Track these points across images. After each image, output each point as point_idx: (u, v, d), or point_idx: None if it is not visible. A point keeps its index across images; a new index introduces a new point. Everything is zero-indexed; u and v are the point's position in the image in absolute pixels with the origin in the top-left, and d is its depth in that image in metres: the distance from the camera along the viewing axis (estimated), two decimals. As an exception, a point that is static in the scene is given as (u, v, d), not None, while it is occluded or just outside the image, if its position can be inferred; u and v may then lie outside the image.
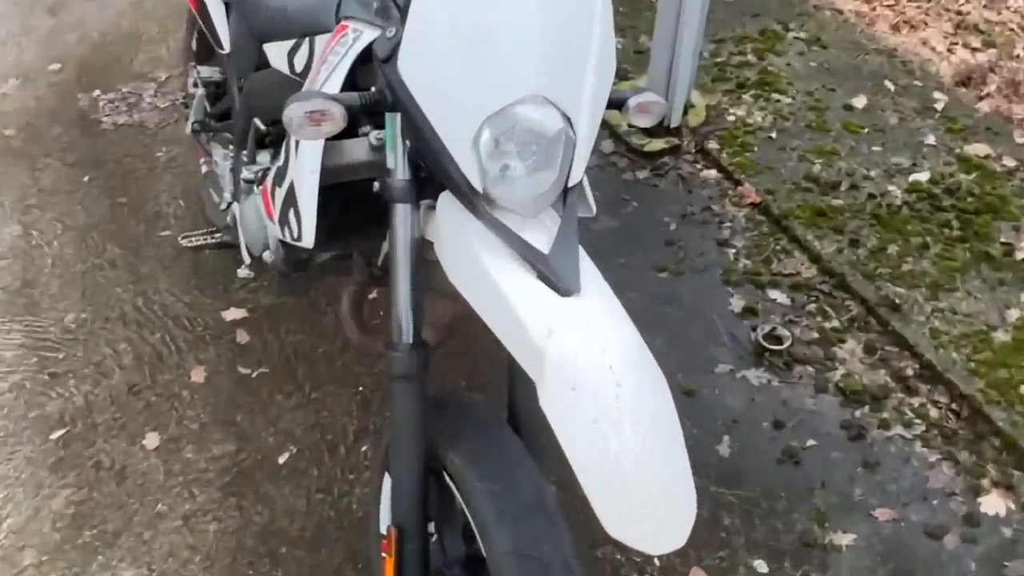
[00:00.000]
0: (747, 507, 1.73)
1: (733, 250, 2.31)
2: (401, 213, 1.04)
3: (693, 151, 2.63)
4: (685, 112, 2.71)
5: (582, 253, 0.97)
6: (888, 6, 3.50)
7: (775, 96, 2.84)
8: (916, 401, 1.93)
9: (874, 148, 2.63)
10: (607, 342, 0.88)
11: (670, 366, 1.99)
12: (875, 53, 3.09)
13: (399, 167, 1.03)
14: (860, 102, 2.81)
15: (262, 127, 1.47)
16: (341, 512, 1.73)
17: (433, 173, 1.00)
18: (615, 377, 0.86)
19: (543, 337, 0.87)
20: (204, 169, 2.33)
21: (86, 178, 2.56)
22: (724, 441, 1.85)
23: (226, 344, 2.07)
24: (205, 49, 2.18)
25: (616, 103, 1.08)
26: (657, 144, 2.63)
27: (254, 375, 2.00)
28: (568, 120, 0.96)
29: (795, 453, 1.82)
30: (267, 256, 1.53)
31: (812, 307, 2.14)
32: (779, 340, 2.03)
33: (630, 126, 2.71)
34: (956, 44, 3.28)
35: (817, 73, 2.97)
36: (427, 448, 1.15)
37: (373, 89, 1.00)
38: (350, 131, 1.11)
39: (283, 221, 1.15)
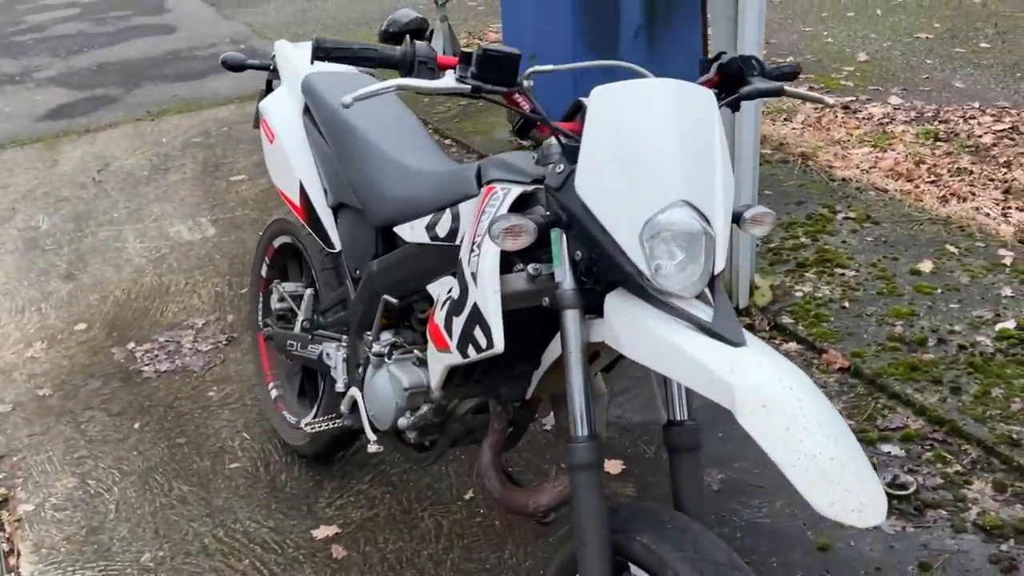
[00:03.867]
0: (913, 647, 2.04)
1: (833, 413, 2.77)
2: (571, 318, 1.54)
3: (768, 328, 3.18)
4: (751, 294, 3.30)
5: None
6: (931, 182, 4.27)
7: (838, 271, 3.46)
8: (1061, 529, 2.30)
9: (952, 305, 3.19)
10: (782, 373, 1.34)
11: (797, 525, 2.39)
12: (929, 223, 3.78)
13: (567, 277, 1.54)
14: (926, 267, 3.43)
15: (393, 300, 2.01)
16: None
17: (603, 273, 1.52)
18: (796, 395, 1.31)
19: (728, 374, 1.33)
20: (274, 393, 2.84)
21: (136, 425, 3.04)
22: (872, 589, 2.19)
23: (322, 560, 2.43)
24: (275, 272, 2.79)
25: (734, 217, 1.63)
26: (729, 326, 3.18)
27: (359, 586, 2.35)
28: (707, 220, 1.49)
29: (950, 591, 2.17)
30: (403, 422, 2.00)
31: (929, 455, 2.57)
32: (903, 487, 2.44)
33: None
34: (1010, 208, 3.99)
35: (875, 246, 3.62)
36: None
37: (548, 213, 1.55)
38: (506, 269, 1.65)
39: (465, 342, 1.63)
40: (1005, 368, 2.85)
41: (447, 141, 5.09)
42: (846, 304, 3.25)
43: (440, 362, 1.75)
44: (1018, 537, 2.30)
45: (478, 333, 1.60)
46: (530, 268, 1.63)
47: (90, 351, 3.49)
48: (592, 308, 1.57)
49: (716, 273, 1.51)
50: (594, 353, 1.76)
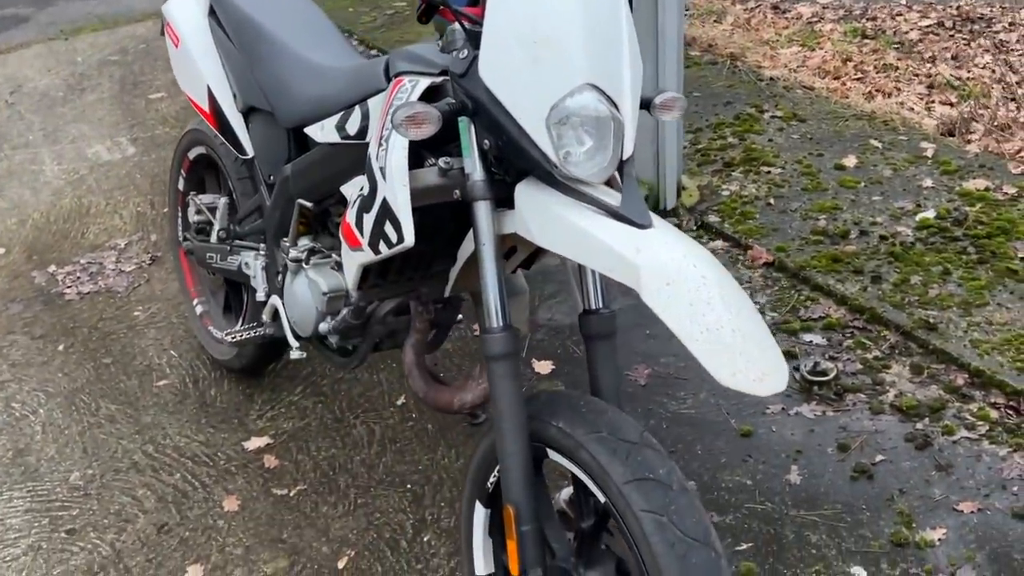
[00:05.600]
0: (831, 522, 2.12)
1: (757, 306, 2.82)
2: (482, 209, 1.52)
3: (695, 227, 3.20)
4: (678, 195, 3.31)
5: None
6: (857, 79, 4.30)
7: (764, 169, 3.48)
8: (974, 407, 2.38)
9: (875, 198, 3.24)
10: (686, 251, 1.35)
11: (721, 415, 2.44)
12: (854, 119, 3.81)
13: (476, 168, 1.52)
14: (851, 161, 3.47)
15: (308, 204, 1.98)
16: (416, 599, 2.06)
17: (512, 162, 1.50)
18: (699, 271, 1.32)
19: (634, 254, 1.34)
20: (199, 309, 2.81)
21: (60, 347, 2.99)
22: (792, 470, 2.26)
23: (255, 471, 2.44)
24: (192, 185, 2.73)
25: (643, 103, 1.62)
26: (657, 226, 3.20)
27: (292, 493, 2.36)
28: (615, 105, 1.48)
29: (866, 469, 2.24)
30: (324, 327, 1.98)
31: (850, 342, 2.63)
32: (824, 373, 2.50)
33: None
34: (933, 102, 4.04)
35: (801, 143, 3.65)
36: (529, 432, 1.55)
37: (454, 101, 1.51)
38: (418, 164, 1.63)
39: (375, 239, 1.61)
40: (924, 256, 2.91)
41: (372, 52, 4.98)
42: (771, 201, 3.28)
43: (354, 261, 1.74)
44: (932, 416, 2.37)
45: (388, 228, 1.58)
46: (441, 162, 1.60)
47: (9, 275, 3.40)
48: (504, 200, 1.56)
49: (625, 158, 1.51)
50: (511, 248, 1.76)
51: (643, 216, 1.41)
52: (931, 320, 2.63)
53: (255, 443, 2.52)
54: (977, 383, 2.45)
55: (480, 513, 1.76)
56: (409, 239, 1.55)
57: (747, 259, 3.03)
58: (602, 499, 1.47)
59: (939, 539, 2.06)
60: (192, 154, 2.67)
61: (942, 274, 2.82)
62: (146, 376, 2.82)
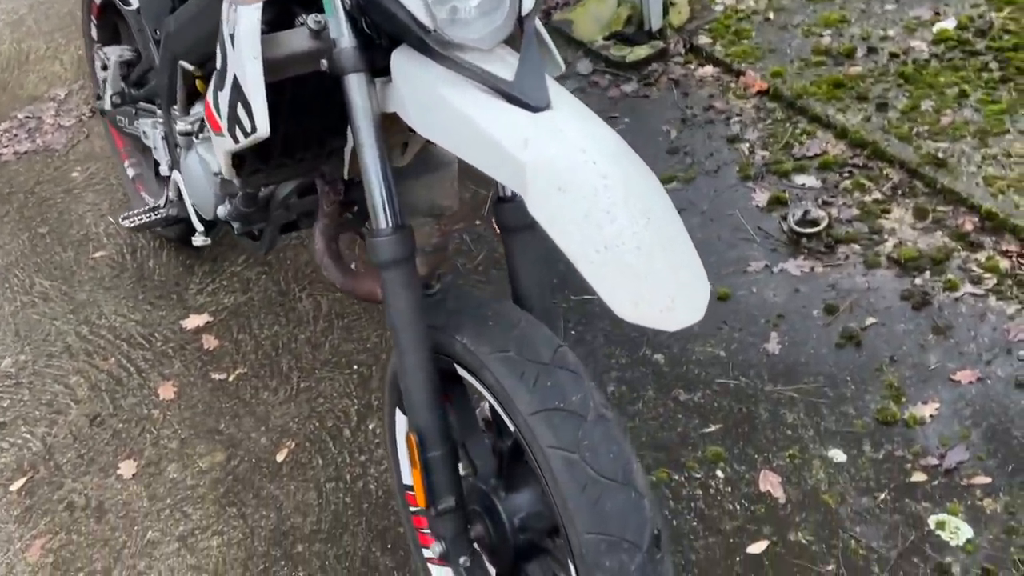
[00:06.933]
0: (810, 399, 1.90)
1: (746, 144, 2.51)
2: (355, 83, 1.24)
3: (683, 51, 2.85)
4: (666, 12, 2.93)
5: (548, 78, 1.16)
6: None
7: (766, -25, 3.06)
8: (982, 256, 2.11)
9: (888, 7, 2.84)
10: (585, 142, 1.07)
11: (697, 275, 2.18)
12: (873, -91, 3.33)
13: (344, 33, 1.23)
14: (864, -38, 3.04)
15: (189, 67, 1.68)
16: (358, 495, 1.90)
17: (381, 27, 1.20)
18: (599, 170, 1.05)
19: (520, 149, 1.06)
20: (131, 172, 2.56)
21: (-5, 217, 2.78)
22: (772, 339, 2.03)
23: (192, 353, 2.26)
24: (107, 34, 2.42)
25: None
26: (640, 51, 2.85)
27: (231, 378, 2.18)
28: (510, -54, 1.16)
29: (855, 334, 2.00)
30: (222, 211, 1.74)
31: (847, 184, 2.34)
32: (814, 223, 2.22)
33: (606, 39, 2.95)
34: None
35: (809, -58, 3.20)
36: (432, 345, 1.33)
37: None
38: (288, 24, 1.33)
39: (232, 124, 1.34)
40: (939, 76, 2.55)
41: None
42: (770, 15, 2.89)
43: (220, 147, 1.46)
44: (934, 268, 2.11)
45: (242, 113, 1.30)
46: (310, 20, 1.30)
47: (-56, 136, 3.16)
48: (386, 70, 1.26)
49: (525, 14, 1.20)
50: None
51: (539, 95, 1.12)
52: (940, 155, 2.31)
53: (194, 321, 2.33)
54: (988, 227, 2.16)
55: (402, 421, 1.57)
56: (263, 128, 1.27)
57: (739, 87, 2.69)
58: (511, 427, 1.26)
59: (930, 415, 1.84)
60: (99, -1, 2.35)
61: (957, 97, 2.47)
62: (82, 247, 2.62)
